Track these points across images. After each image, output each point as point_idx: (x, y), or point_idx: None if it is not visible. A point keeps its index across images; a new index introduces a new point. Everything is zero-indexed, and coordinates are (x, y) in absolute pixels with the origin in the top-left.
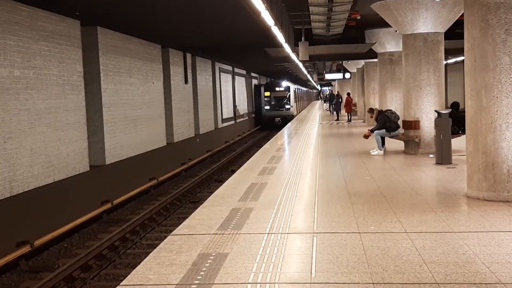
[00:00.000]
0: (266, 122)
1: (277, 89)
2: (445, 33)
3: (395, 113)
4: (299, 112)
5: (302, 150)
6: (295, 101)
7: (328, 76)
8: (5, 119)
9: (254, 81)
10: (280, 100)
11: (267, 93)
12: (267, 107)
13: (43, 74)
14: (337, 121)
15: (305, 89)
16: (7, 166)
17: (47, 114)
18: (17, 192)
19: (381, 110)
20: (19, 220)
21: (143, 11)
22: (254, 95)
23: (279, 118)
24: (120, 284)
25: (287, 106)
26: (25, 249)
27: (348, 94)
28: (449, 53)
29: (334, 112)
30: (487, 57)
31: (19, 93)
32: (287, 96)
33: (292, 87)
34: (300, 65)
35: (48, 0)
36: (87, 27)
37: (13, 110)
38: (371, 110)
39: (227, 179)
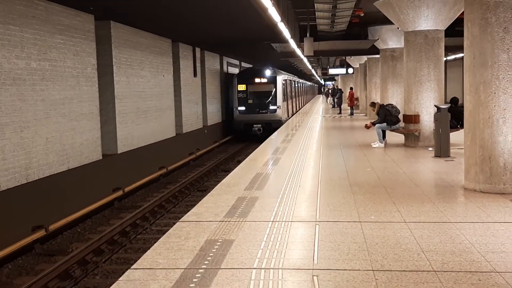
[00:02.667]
0: (238, 131)
1: (256, 80)
2: (445, 30)
3: (396, 107)
4: (293, 114)
5: (306, 142)
6: (286, 99)
7: (332, 71)
8: (22, 109)
9: None
10: (261, 98)
11: (242, 87)
12: (241, 108)
13: (59, 66)
14: (340, 115)
15: (303, 81)
16: (23, 154)
17: (62, 104)
18: (32, 179)
19: (382, 104)
20: (35, 206)
21: (155, 6)
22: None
23: (260, 126)
24: (131, 267)
25: (271, 107)
26: (40, 233)
27: (351, 88)
28: (449, 50)
29: (337, 106)
30: (486, 54)
31: (36, 84)
32: (273, 91)
33: (281, 78)
34: (305, 60)
35: None
36: (101, 21)
37: (29, 100)
38: (373, 104)
39: (233, 169)
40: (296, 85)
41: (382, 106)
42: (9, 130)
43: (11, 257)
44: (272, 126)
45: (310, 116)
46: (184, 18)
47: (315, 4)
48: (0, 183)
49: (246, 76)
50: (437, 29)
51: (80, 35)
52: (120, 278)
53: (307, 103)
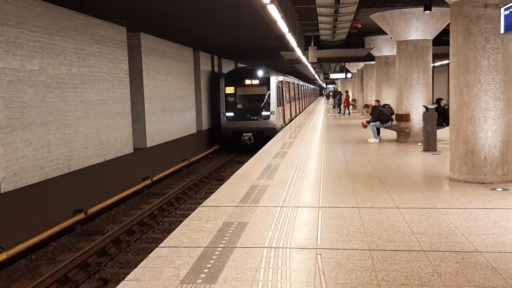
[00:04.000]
0: (226, 140)
1: (247, 81)
2: (433, 40)
3: (390, 108)
4: (292, 119)
5: (310, 138)
6: (281, 103)
7: (333, 76)
8: (65, 109)
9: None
10: (252, 102)
11: (230, 89)
12: (229, 114)
13: (96, 71)
14: (339, 114)
15: (304, 83)
16: (66, 148)
17: (99, 105)
18: (74, 169)
19: (375, 106)
20: (76, 192)
21: (179, 20)
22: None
23: (250, 135)
24: (159, 246)
25: (264, 113)
26: (80, 216)
27: (346, 91)
28: (436, 57)
29: (337, 106)
30: (469, 61)
31: (76, 87)
32: (266, 94)
33: (275, 79)
34: (309, 66)
35: (100, 10)
36: (132, 32)
37: (71, 101)
38: (366, 106)
39: (246, 161)
40: (295, 87)
41: (375, 107)
42: (54, 127)
43: (55, 236)
44: (264, 134)
45: (313, 115)
46: (204, 31)
47: (318, 17)
48: (46, 173)
49: (234, 77)
50: (425, 39)
51: (114, 45)
52: (150, 255)
53: (308, 105)
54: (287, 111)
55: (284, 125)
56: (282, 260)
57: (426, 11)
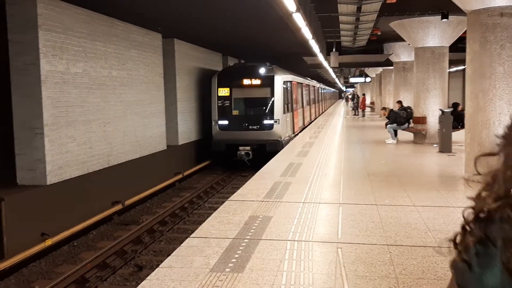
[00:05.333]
0: (219, 153)
1: (245, 81)
2: (449, 47)
3: (411, 112)
4: (304, 128)
5: (330, 138)
6: (289, 108)
7: (352, 80)
8: (105, 108)
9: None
10: (252, 107)
11: (223, 91)
12: (222, 122)
13: (134, 74)
14: (357, 116)
15: (321, 85)
16: (106, 144)
17: (136, 105)
18: (113, 164)
19: (392, 109)
20: (114, 185)
21: (210, 28)
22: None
23: (248, 149)
24: (190, 236)
25: (266, 121)
26: (118, 207)
27: (363, 95)
28: (451, 63)
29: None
30: (484, 67)
31: (116, 88)
32: (268, 97)
33: (281, 78)
34: (330, 70)
35: (138, 18)
36: (167, 39)
37: (111, 101)
38: (383, 109)
39: (270, 159)
40: (311, 89)
41: (392, 110)
42: (95, 125)
43: (95, 225)
44: (266, 149)
45: (333, 117)
46: (232, 38)
47: (340, 24)
48: (88, 167)
49: (230, 76)
50: (442, 46)
51: (151, 50)
52: (182, 244)
53: (326, 109)
54: (298, 119)
55: (293, 136)
56: (305, 252)
57: (443, 19)
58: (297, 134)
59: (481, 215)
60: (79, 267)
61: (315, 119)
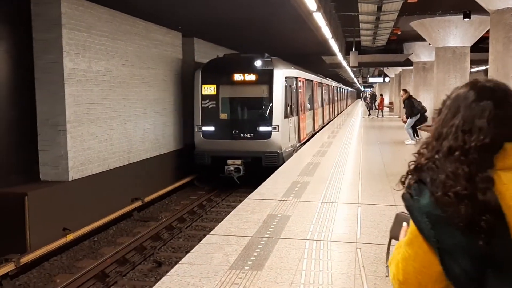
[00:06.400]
0: (202, 166)
1: (236, 76)
2: (471, 46)
3: (420, 103)
4: (315, 134)
5: (348, 138)
6: (294, 111)
7: (371, 80)
8: (126, 106)
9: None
10: (244, 109)
11: (209, 88)
12: (207, 129)
13: (154, 73)
14: (375, 116)
15: (336, 84)
16: (126, 141)
17: (156, 103)
18: (133, 161)
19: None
20: (134, 182)
21: (228, 27)
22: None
23: (239, 162)
24: (209, 233)
25: (262, 128)
26: (137, 203)
27: (381, 95)
28: (473, 63)
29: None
30: (508, 67)
31: (136, 86)
32: (266, 97)
33: (282, 73)
34: (349, 70)
35: (159, 17)
36: (187, 38)
37: (131, 99)
38: (404, 90)
39: (297, 151)
40: (324, 88)
41: (409, 97)
42: (116, 122)
43: (115, 221)
44: (262, 162)
45: (351, 117)
46: (250, 37)
47: (360, 24)
48: (109, 163)
49: (217, 70)
50: (464, 46)
51: (171, 49)
52: (201, 241)
53: (343, 110)
54: (306, 123)
55: (298, 146)
56: (324, 252)
57: (465, 19)
58: (305, 143)
59: (418, 166)
60: (99, 262)
61: (328, 122)
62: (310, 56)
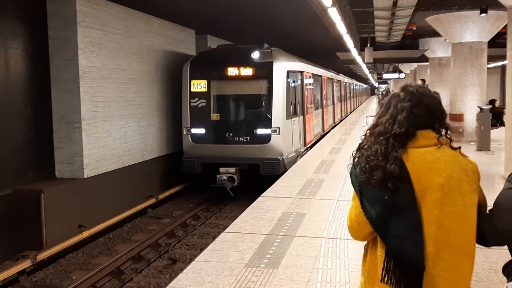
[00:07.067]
0: (190, 174)
1: (230, 71)
2: (488, 42)
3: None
4: (324, 135)
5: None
6: (299, 111)
7: (386, 76)
8: (140, 104)
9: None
10: (240, 109)
11: (199, 84)
12: (197, 131)
13: (168, 71)
14: None
15: (349, 80)
16: (140, 139)
17: (170, 101)
18: (147, 159)
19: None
20: (148, 179)
21: (240, 24)
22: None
23: (233, 170)
24: (224, 231)
25: (260, 130)
26: (152, 201)
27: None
28: (490, 59)
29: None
30: None
31: (150, 84)
32: (264, 94)
33: (283, 66)
34: (363, 66)
35: (173, 15)
36: (200, 35)
37: (145, 97)
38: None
39: (302, 156)
40: (334, 84)
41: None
42: (130, 120)
43: (130, 218)
44: (260, 170)
45: (366, 114)
46: (264, 33)
47: (375, 19)
48: (123, 161)
49: (208, 63)
50: (480, 41)
51: (184, 46)
52: (217, 239)
53: (357, 107)
54: (313, 124)
55: (303, 150)
56: (340, 250)
57: (482, 14)
58: (313, 146)
59: (360, 146)
60: (115, 259)
61: (340, 121)
62: (324, 52)
